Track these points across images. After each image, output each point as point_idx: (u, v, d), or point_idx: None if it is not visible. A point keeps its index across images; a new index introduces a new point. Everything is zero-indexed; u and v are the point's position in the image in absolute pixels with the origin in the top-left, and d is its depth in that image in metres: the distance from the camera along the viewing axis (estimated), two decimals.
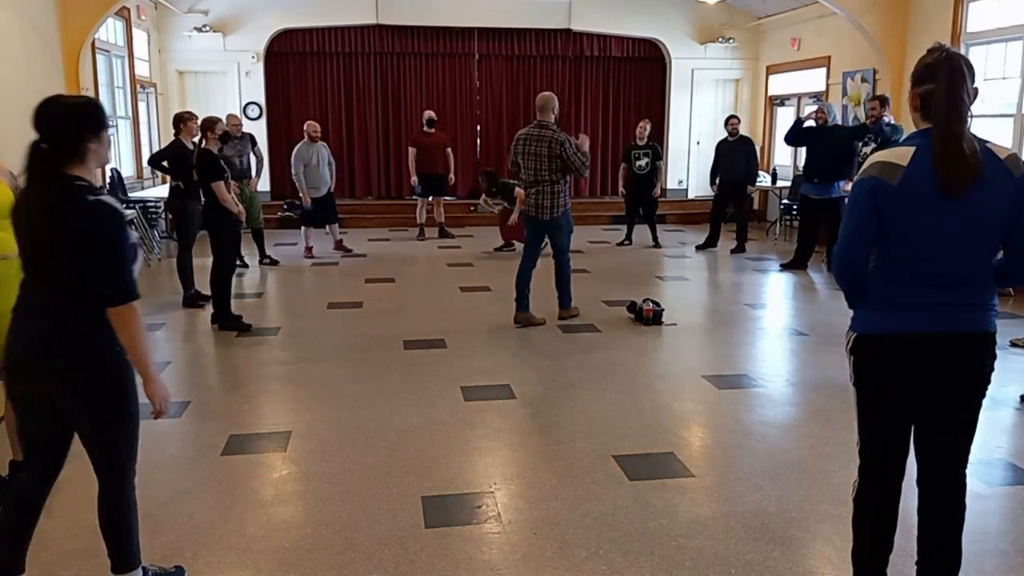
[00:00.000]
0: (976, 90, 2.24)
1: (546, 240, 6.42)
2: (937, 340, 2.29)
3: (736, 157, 9.88)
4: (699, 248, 10.27)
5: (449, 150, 10.88)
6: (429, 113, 10.98)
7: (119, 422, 2.46)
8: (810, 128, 8.67)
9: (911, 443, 2.45)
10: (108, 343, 2.38)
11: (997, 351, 2.34)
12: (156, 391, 2.45)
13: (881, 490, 2.48)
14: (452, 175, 10.92)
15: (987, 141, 2.24)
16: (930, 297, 2.27)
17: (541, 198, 6.16)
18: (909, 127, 2.60)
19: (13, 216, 2.43)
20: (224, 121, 6.78)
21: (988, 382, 2.36)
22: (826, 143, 8.38)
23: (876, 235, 2.28)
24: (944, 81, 2.21)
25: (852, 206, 2.33)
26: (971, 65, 2.25)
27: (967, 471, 2.45)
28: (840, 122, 9.07)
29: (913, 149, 2.23)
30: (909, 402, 2.38)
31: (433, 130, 10.83)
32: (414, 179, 10.77)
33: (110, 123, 2.47)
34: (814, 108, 9.01)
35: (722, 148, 10.08)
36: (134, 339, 2.37)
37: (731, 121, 10.08)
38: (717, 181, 10.05)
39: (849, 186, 8.20)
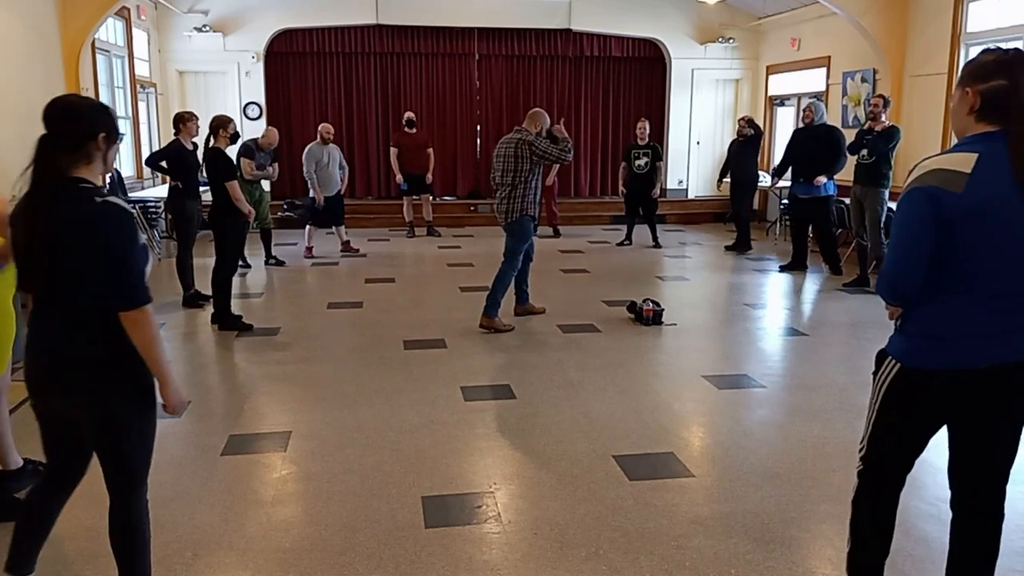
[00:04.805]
0: None
1: (531, 241, 6.38)
2: (996, 372, 2.12)
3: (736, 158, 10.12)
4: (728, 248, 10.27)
5: (430, 151, 10.95)
6: (409, 114, 11.12)
7: (131, 436, 2.39)
8: (797, 129, 8.81)
9: (917, 461, 2.36)
10: (117, 351, 2.30)
11: None
12: (171, 394, 2.38)
13: (885, 499, 2.41)
14: (430, 175, 10.99)
15: None
16: (994, 323, 2.09)
17: (500, 203, 6.18)
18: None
19: (13, 222, 2.34)
20: (235, 123, 6.78)
21: None
22: (812, 142, 8.45)
23: (934, 251, 2.05)
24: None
25: (905, 219, 2.08)
26: None
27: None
28: (826, 120, 9.11)
29: (976, 155, 2.03)
30: (941, 426, 2.27)
31: (414, 130, 10.93)
32: (399, 177, 10.88)
33: (120, 130, 2.40)
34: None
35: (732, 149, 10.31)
36: (148, 342, 2.30)
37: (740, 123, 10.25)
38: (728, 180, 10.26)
39: (821, 180, 8.27)
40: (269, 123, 12.53)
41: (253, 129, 12.13)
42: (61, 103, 2.35)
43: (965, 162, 2.03)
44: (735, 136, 10.31)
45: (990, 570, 2.34)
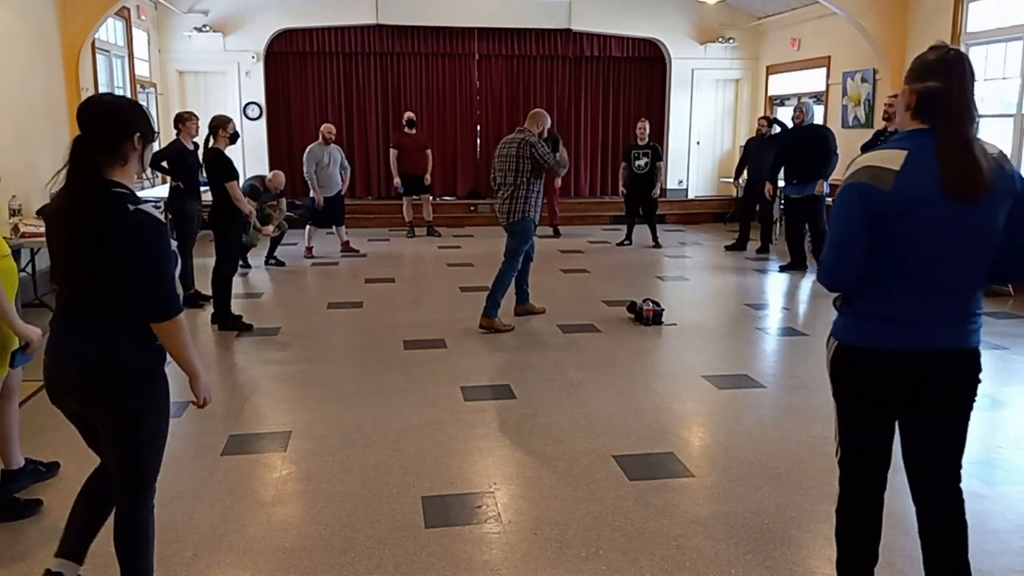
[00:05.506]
0: None
1: (532, 241, 6.35)
2: (927, 357, 2.19)
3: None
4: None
5: (429, 151, 10.95)
6: (409, 114, 11.11)
7: (144, 440, 2.38)
8: (787, 130, 8.85)
9: (892, 455, 2.37)
10: (135, 357, 2.30)
11: (997, 352, 2.29)
12: (201, 389, 2.45)
13: (865, 502, 2.40)
14: (428, 176, 10.98)
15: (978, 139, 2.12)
16: (924, 310, 2.17)
17: (502, 203, 6.16)
18: None
19: (47, 219, 2.32)
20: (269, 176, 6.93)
21: (975, 396, 2.28)
22: (802, 142, 8.47)
23: (867, 245, 2.13)
24: (957, 82, 2.08)
25: (839, 214, 2.18)
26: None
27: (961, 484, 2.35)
28: (818, 121, 9.13)
29: (905, 153, 2.10)
30: (894, 416, 2.31)
31: (414, 131, 10.93)
32: (397, 180, 10.86)
33: (155, 129, 2.37)
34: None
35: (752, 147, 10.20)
36: (180, 349, 2.31)
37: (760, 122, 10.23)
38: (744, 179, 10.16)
39: (823, 186, 8.27)
40: (269, 124, 12.57)
41: (253, 129, 12.17)
42: (96, 102, 2.31)
43: (894, 159, 2.11)
44: (753, 134, 10.27)
45: (963, 561, 2.33)
